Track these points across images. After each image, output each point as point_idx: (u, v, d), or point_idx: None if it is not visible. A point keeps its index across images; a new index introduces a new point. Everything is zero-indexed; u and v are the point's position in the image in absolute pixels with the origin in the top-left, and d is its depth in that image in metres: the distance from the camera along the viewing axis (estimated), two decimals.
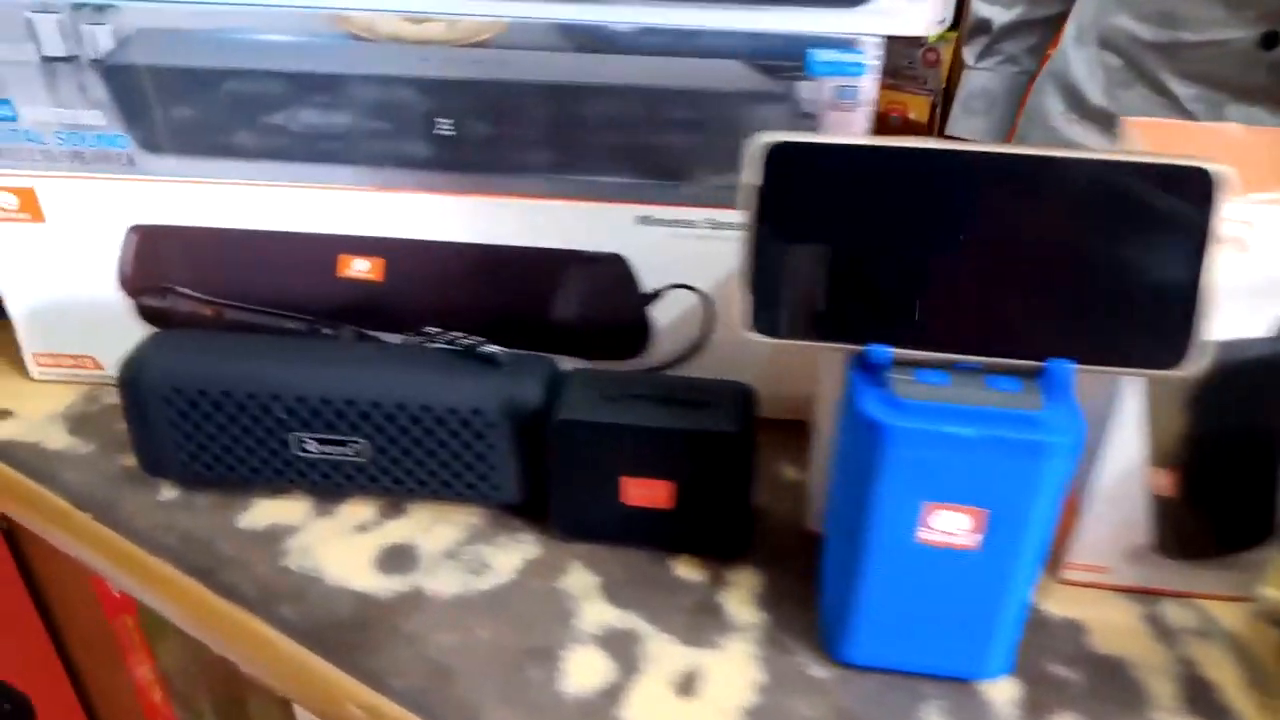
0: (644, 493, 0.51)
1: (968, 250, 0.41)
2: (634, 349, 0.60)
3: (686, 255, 0.57)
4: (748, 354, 0.59)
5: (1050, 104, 1.03)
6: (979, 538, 0.42)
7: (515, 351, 0.54)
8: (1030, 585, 0.44)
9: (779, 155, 0.41)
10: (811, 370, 0.60)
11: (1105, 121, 0.93)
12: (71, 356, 0.63)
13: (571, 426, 0.50)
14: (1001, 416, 0.40)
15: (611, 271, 0.58)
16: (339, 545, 0.54)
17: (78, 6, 0.52)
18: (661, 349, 0.60)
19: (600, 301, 0.59)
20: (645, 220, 0.56)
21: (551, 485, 0.52)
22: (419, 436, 0.53)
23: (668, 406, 0.50)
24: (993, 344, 0.41)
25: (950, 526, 0.42)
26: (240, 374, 0.53)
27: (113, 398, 0.63)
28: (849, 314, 0.42)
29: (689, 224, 0.56)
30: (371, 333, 0.61)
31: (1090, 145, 0.97)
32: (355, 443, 0.53)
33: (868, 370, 0.42)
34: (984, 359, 0.41)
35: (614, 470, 0.51)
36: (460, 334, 0.54)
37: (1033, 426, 0.40)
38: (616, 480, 0.51)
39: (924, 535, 0.42)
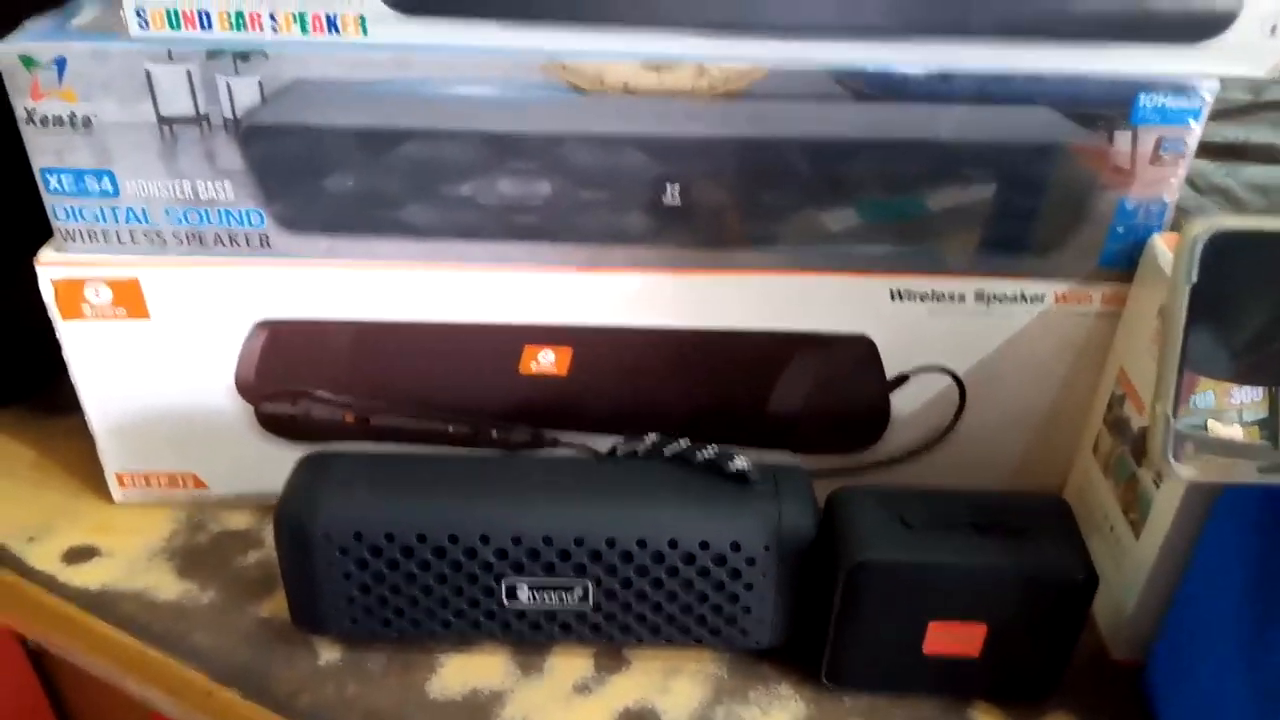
0: (951, 638, 0.42)
1: None
2: (868, 440, 0.51)
3: (942, 333, 0.48)
4: (996, 443, 0.51)
5: None
6: None
7: (760, 463, 0.44)
8: None
9: (1219, 247, 0.32)
10: (1064, 459, 0.52)
11: None
12: (168, 475, 0.51)
13: (875, 569, 0.40)
14: None
15: (854, 355, 0.48)
16: (563, 714, 0.43)
17: (213, 54, 0.40)
18: (898, 439, 0.51)
19: (837, 389, 0.49)
20: (900, 294, 0.47)
21: (832, 632, 0.43)
22: (660, 577, 0.43)
23: (983, 536, 0.41)
24: None
25: None
26: (438, 512, 0.42)
27: (220, 523, 0.52)
28: None
29: (952, 298, 0.47)
30: (552, 433, 0.50)
31: None
32: (579, 588, 0.43)
33: None
34: None
35: (920, 616, 0.41)
36: (695, 442, 0.44)
37: None
38: (921, 626, 0.42)
39: None
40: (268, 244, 0.45)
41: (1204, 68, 0.41)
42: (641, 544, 0.42)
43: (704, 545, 0.42)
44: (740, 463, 0.43)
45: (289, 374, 0.48)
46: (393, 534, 0.42)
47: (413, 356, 0.48)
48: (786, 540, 0.42)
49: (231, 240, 0.45)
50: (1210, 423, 0.34)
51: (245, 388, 0.49)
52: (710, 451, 0.44)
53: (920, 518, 0.41)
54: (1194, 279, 0.32)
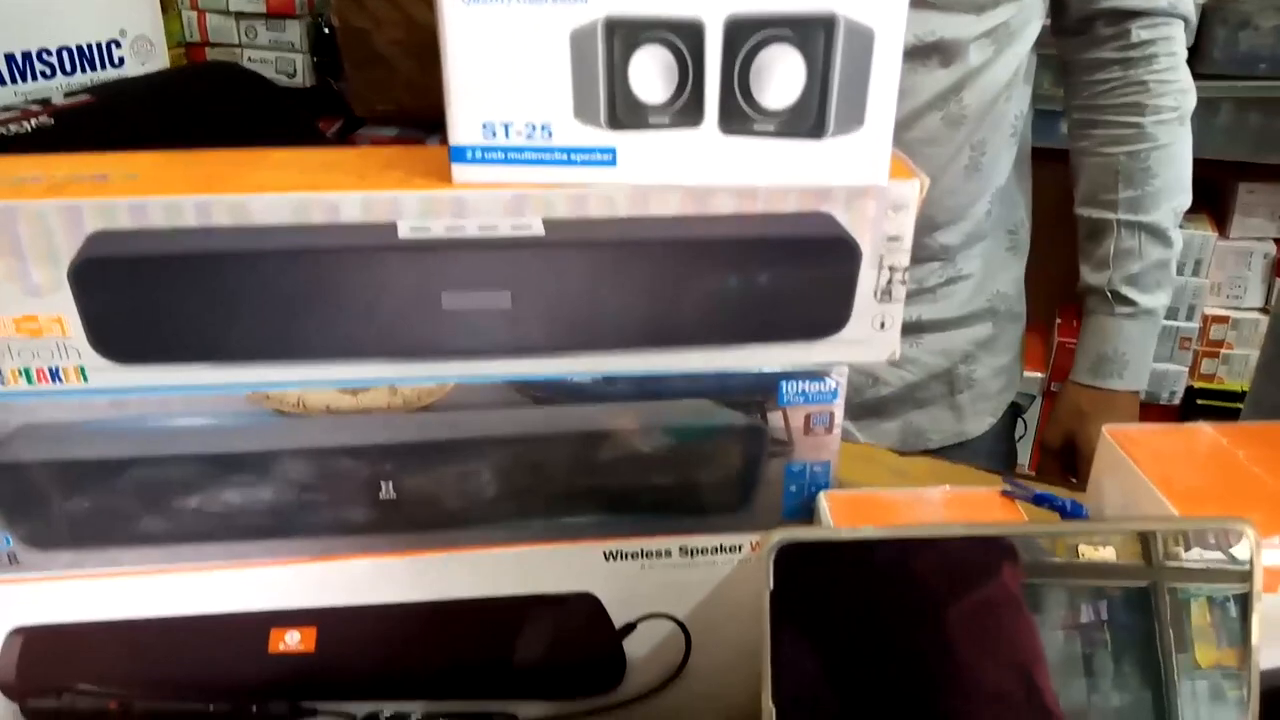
0: None
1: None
2: (608, 685, 0.55)
3: (658, 584, 0.52)
4: (727, 681, 0.55)
5: None
6: None
7: None
8: None
9: (788, 555, 0.38)
10: None
11: None
12: None
13: None
14: None
15: (581, 610, 0.53)
16: None
17: None
18: (636, 680, 0.55)
19: (571, 642, 0.53)
20: (613, 555, 0.51)
21: None
22: None
23: None
24: None
25: None
26: None
27: None
28: None
29: (660, 554, 0.52)
30: (307, 704, 0.53)
31: None
32: None
33: None
34: None
35: None
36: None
37: None
38: None
39: None
40: (16, 560, 0.49)
41: (831, 358, 0.48)
42: None
43: None
44: None
45: (50, 673, 0.51)
46: None
47: (167, 648, 0.51)
48: None
49: None
50: None
51: (8, 689, 0.51)
52: None
53: None
54: (771, 586, 0.37)
